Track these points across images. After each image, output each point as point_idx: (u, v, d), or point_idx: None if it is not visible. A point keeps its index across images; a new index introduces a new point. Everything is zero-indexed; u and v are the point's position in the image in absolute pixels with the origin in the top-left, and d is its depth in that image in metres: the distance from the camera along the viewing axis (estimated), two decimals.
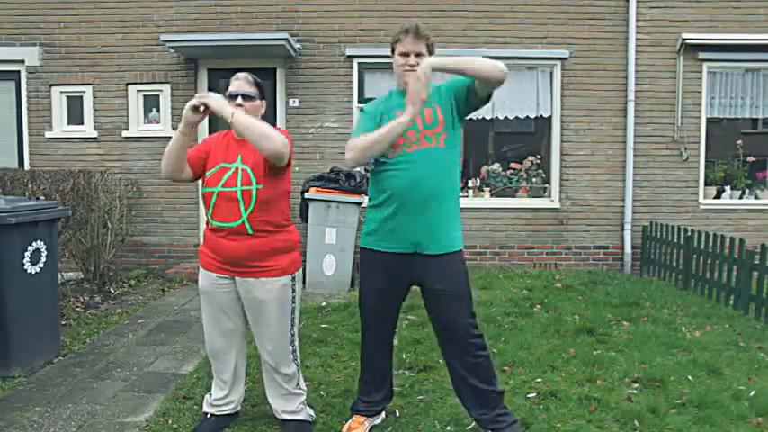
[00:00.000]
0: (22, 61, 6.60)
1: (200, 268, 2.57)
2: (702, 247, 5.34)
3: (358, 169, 6.27)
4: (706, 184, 6.73)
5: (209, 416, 2.67)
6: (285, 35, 6.10)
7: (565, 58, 6.57)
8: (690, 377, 3.26)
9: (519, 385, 3.15)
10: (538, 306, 4.81)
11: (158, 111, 6.67)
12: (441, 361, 2.77)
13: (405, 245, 2.42)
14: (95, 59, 6.60)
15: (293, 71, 6.59)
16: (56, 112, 6.66)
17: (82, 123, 6.68)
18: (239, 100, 2.43)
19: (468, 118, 2.53)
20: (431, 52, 2.42)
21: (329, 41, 6.56)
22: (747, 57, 6.56)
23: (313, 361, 3.55)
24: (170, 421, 2.75)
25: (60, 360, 3.65)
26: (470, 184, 6.81)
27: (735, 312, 4.67)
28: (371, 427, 2.67)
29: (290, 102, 6.61)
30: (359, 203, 5.54)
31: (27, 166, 6.54)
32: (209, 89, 6.52)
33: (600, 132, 6.63)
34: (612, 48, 6.57)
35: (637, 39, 6.50)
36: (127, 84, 6.61)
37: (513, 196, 6.82)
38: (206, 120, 3.04)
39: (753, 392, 3.04)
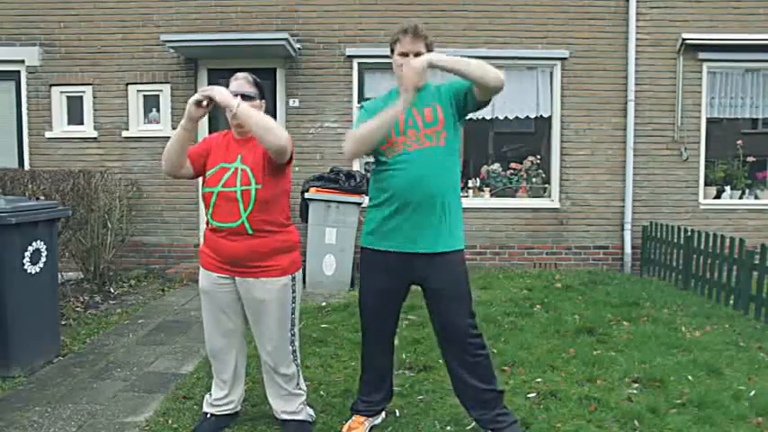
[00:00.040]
0: (22, 61, 6.60)
1: (201, 268, 2.58)
2: (702, 247, 5.34)
3: (358, 169, 6.28)
4: (706, 184, 6.73)
5: (209, 416, 2.67)
6: (285, 35, 6.10)
7: (565, 58, 6.57)
8: (690, 377, 3.26)
9: (519, 385, 3.15)
10: (538, 306, 4.81)
11: (158, 111, 6.67)
12: (441, 361, 2.77)
13: (405, 244, 2.41)
14: (95, 59, 6.60)
15: (293, 71, 6.59)
16: (56, 112, 6.66)
17: (82, 123, 6.68)
18: (239, 100, 2.44)
19: (468, 118, 2.53)
20: (430, 52, 2.41)
21: (329, 41, 6.56)
22: (747, 57, 6.56)
23: (313, 361, 3.54)
24: (170, 421, 2.75)
25: (60, 360, 3.65)
26: (470, 183, 6.81)
27: (735, 312, 4.67)
28: (371, 427, 2.67)
29: (290, 102, 6.61)
30: (359, 203, 5.54)
31: (27, 166, 6.53)
32: None
33: (600, 132, 6.63)
34: (612, 48, 6.57)
35: (637, 39, 6.49)
36: (127, 84, 6.61)
37: (513, 196, 6.82)
38: (206, 119, 3.04)
39: (753, 392, 3.04)
